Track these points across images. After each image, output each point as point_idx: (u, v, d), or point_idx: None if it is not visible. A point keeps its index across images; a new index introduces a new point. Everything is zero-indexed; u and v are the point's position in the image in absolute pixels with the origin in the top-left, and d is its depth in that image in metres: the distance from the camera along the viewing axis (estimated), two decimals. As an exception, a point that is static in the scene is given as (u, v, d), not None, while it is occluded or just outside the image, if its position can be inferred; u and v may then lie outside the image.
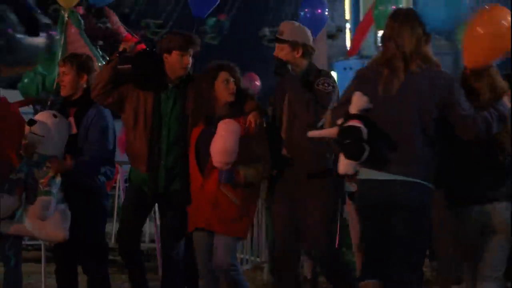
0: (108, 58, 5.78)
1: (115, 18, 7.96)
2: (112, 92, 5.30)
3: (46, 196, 5.10)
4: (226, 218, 5.08)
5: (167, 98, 5.30)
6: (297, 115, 5.09)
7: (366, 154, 4.17)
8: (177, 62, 5.30)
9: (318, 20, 8.82)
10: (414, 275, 4.29)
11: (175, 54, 5.28)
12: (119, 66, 5.27)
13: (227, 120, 5.05)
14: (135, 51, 5.37)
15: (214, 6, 7.31)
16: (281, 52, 5.20)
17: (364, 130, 4.16)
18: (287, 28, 5.26)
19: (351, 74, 5.66)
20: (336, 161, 4.46)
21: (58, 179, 5.15)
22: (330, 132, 4.37)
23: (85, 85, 5.44)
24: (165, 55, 5.31)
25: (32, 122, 5.19)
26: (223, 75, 5.19)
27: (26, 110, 7.21)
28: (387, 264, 4.31)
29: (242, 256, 7.22)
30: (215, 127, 5.04)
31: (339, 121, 4.27)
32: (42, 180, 5.11)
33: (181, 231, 5.28)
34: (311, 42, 5.28)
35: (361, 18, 17.06)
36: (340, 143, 4.23)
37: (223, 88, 5.17)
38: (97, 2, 7.59)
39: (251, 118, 5.15)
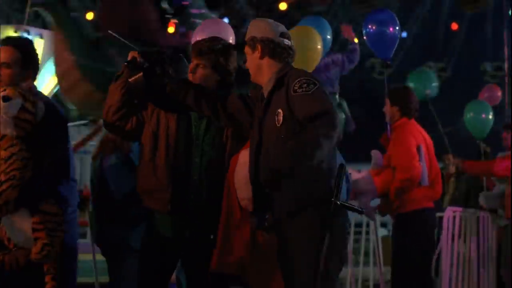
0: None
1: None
2: (128, 116, 4.18)
3: None
4: (265, 270, 4.05)
5: (198, 117, 4.18)
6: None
7: None
8: None
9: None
10: None
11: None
12: (129, 79, 4.09)
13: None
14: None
15: (395, 46, 6.90)
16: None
17: None
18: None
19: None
20: None
21: None
22: None
23: None
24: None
25: None
26: None
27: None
28: None
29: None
30: None
31: None
32: None
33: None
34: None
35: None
36: None
37: None
38: None
39: None
